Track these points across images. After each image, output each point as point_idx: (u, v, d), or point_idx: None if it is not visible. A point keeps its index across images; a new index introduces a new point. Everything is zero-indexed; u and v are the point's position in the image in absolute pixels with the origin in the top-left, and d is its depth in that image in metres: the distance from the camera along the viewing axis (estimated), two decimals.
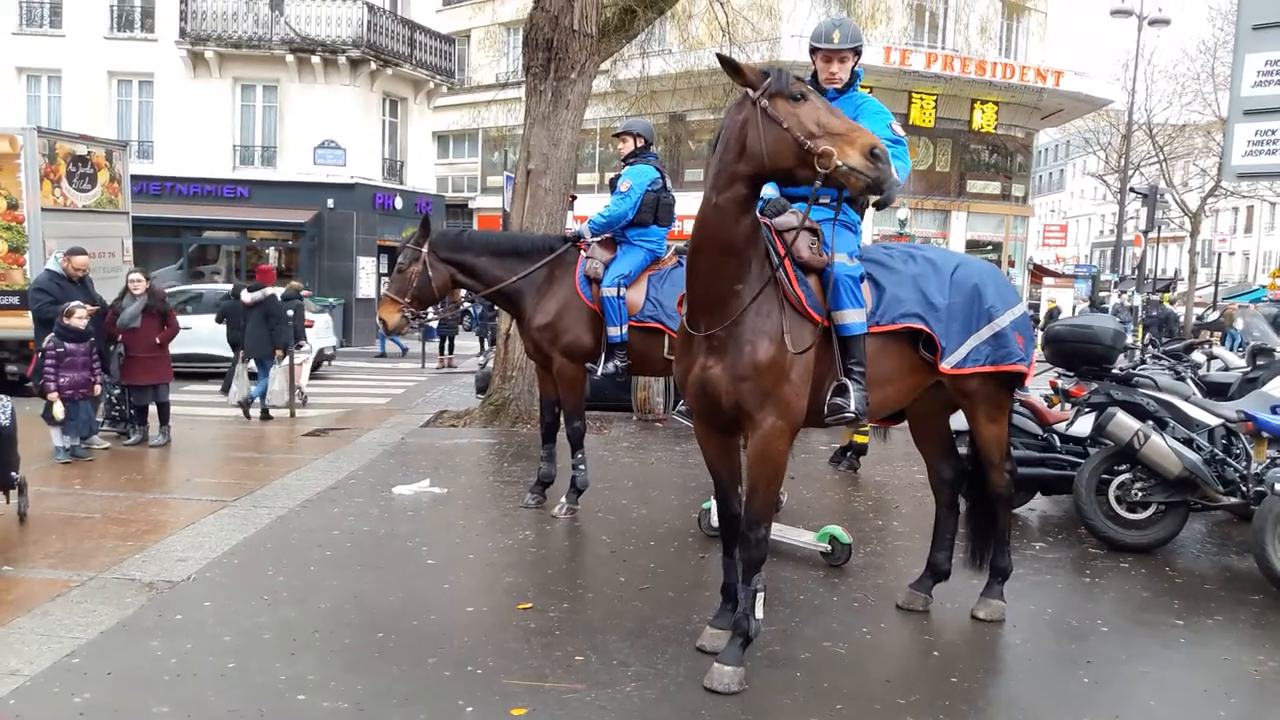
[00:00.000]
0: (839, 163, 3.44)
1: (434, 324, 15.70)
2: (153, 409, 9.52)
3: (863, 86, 4.65)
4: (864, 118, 4.35)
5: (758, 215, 3.90)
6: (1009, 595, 4.87)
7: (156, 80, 23.03)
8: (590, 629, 4.53)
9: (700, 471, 4.55)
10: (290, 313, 11.67)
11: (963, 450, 5.34)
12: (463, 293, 7.18)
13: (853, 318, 4.13)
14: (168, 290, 11.98)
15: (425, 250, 6.51)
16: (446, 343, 19.29)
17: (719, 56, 3.83)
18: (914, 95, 29.04)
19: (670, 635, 4.46)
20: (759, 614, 4.05)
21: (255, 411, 11.43)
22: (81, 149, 13.92)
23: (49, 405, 8.31)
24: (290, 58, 22.60)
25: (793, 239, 4.05)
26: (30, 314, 9.77)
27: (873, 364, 4.23)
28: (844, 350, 4.15)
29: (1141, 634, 4.76)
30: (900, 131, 4.43)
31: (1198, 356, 9.14)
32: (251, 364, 11.58)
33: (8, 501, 6.24)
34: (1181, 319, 27.56)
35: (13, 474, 6.14)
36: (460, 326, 20.01)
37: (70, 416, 8.42)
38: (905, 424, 5.28)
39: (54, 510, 6.88)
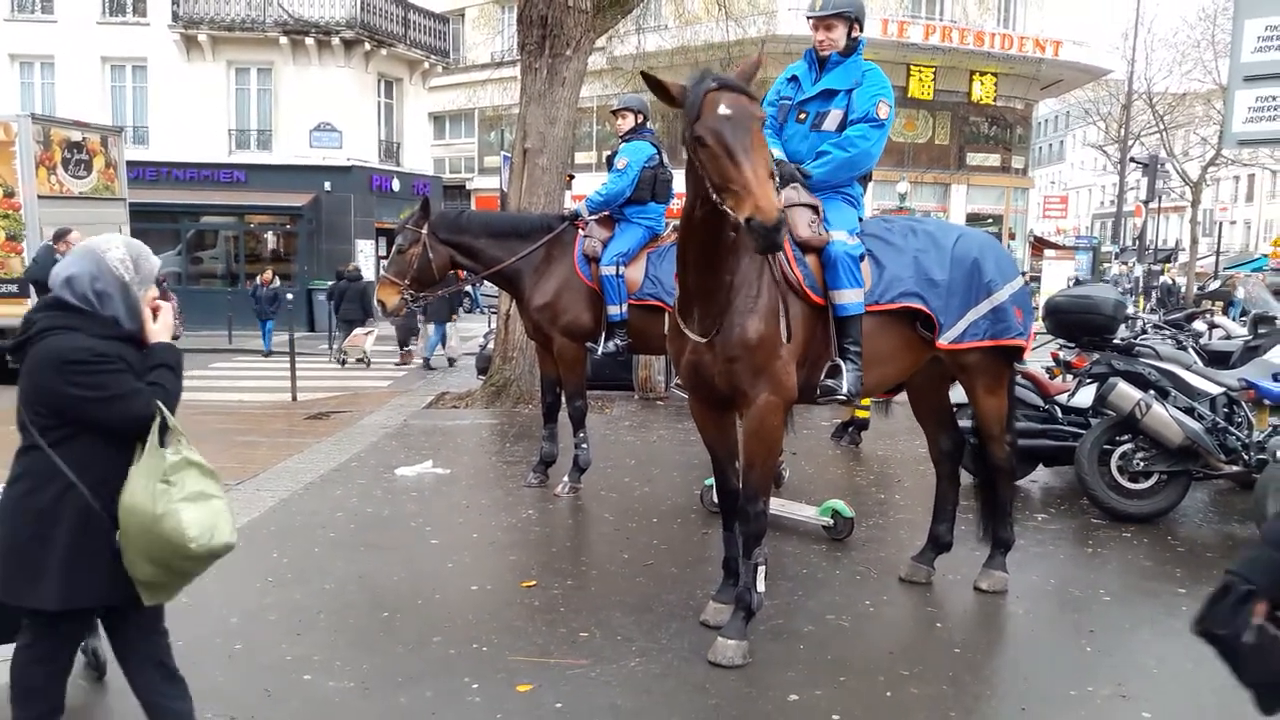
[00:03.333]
0: (739, 219, 3.29)
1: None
2: None
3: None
4: (862, 88, 4.36)
5: None
6: (1011, 566, 4.89)
7: (150, 65, 22.92)
8: (594, 605, 4.55)
9: (701, 449, 4.56)
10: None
11: (964, 423, 5.36)
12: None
13: (850, 298, 4.11)
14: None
15: (425, 232, 6.48)
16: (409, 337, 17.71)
17: (643, 75, 3.75)
18: (912, 68, 28.87)
19: (674, 610, 4.48)
20: (761, 588, 4.06)
21: (441, 361, 15.44)
22: (76, 135, 13.88)
23: None
24: (284, 40, 22.48)
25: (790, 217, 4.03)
26: (32, 290, 9.90)
27: (871, 342, 4.22)
28: (840, 330, 4.13)
29: (1144, 603, 4.77)
30: (885, 114, 4.38)
31: (1199, 325, 9.14)
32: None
33: None
34: (1183, 289, 27.51)
35: None
36: (460, 310, 19.70)
37: None
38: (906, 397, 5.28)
39: None
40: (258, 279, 18.96)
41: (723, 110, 3.37)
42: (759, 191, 3.23)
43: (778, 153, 4.42)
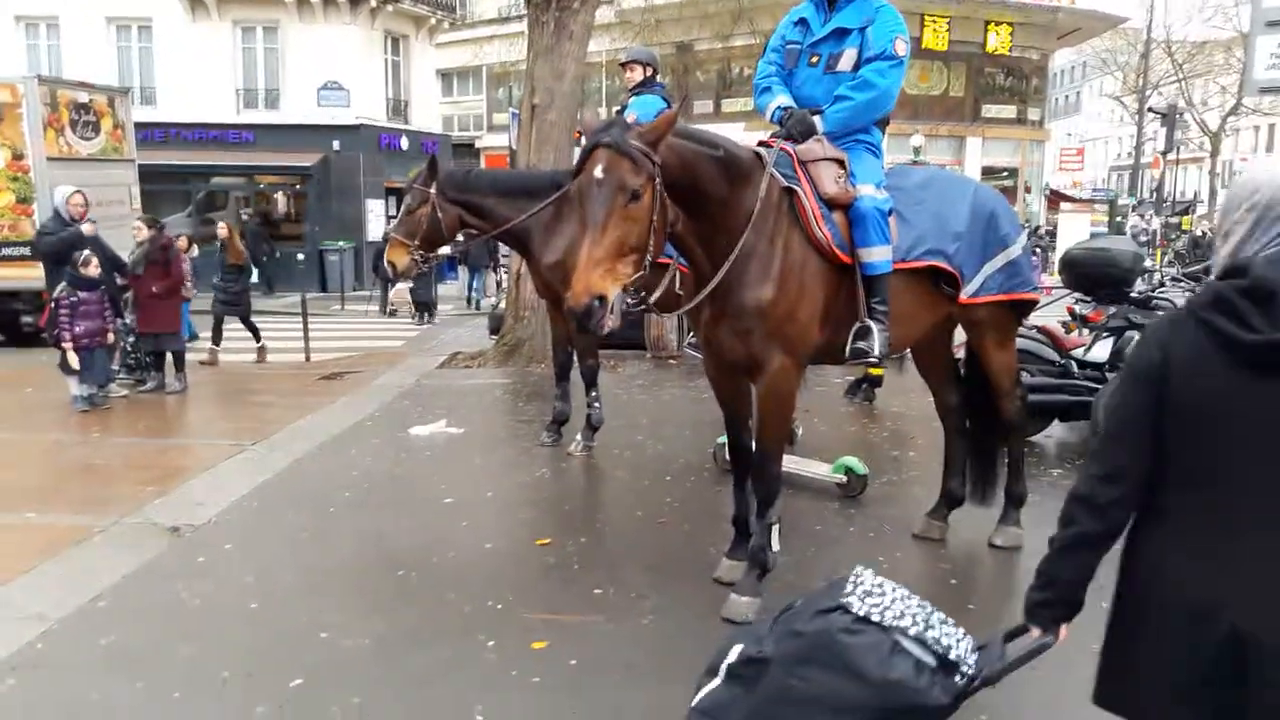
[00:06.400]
0: None
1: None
2: (170, 356, 9.55)
3: None
4: (876, 24, 4.17)
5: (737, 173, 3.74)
6: (1026, 522, 4.86)
7: (155, 25, 22.69)
8: (608, 563, 4.56)
9: (714, 407, 4.53)
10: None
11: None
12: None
13: (879, 255, 3.97)
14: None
15: (433, 191, 6.41)
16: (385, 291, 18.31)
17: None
18: (926, 18, 28.30)
19: (687, 568, 4.48)
20: (775, 546, 4.06)
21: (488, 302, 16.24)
22: (83, 97, 13.78)
23: (64, 355, 8.35)
24: None
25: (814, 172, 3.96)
26: (42, 260, 9.84)
27: (899, 300, 4.09)
28: (868, 289, 3.99)
29: None
30: (902, 50, 4.19)
31: None
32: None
33: None
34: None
35: None
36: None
37: (86, 365, 8.45)
38: None
39: (75, 458, 6.95)
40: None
41: (596, 173, 3.25)
42: (579, 273, 3.19)
43: (785, 99, 4.32)
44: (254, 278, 18.04)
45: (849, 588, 1.83)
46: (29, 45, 22.83)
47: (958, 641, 1.84)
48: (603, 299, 3.16)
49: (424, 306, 17.15)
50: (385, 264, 6.59)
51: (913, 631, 1.74)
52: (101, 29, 22.65)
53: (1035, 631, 1.98)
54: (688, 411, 7.97)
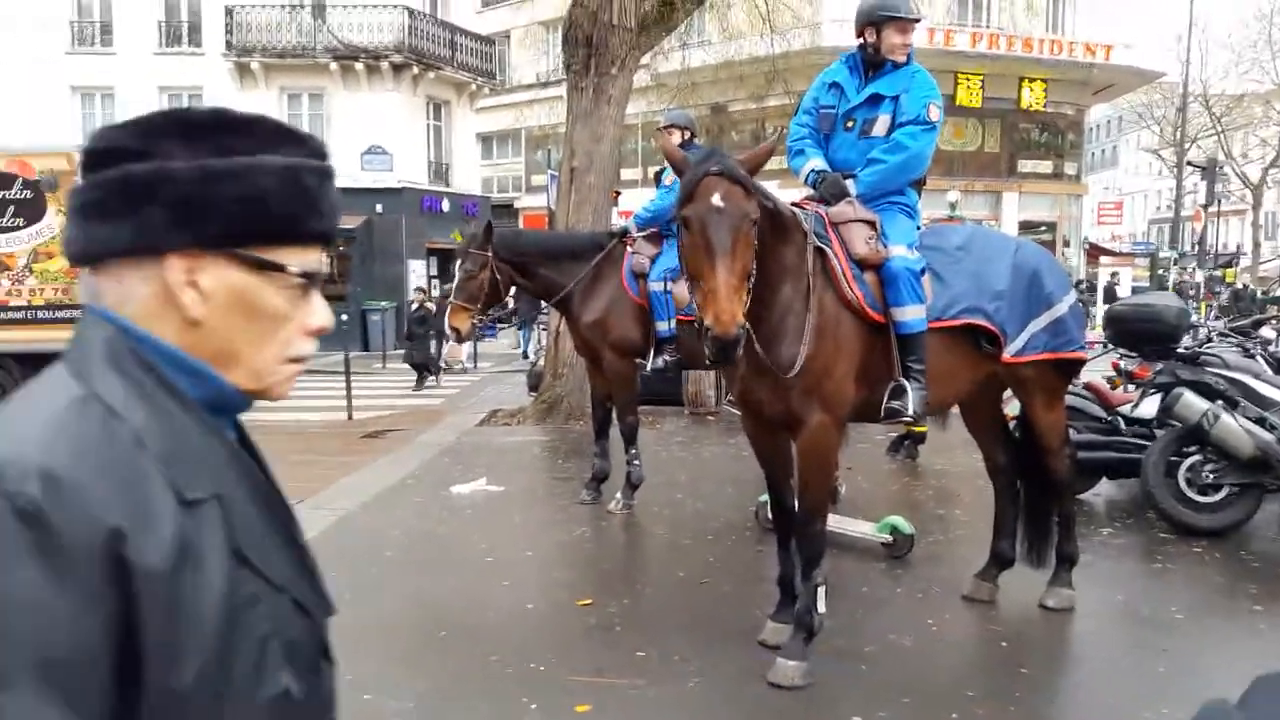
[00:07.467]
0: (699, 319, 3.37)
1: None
2: None
3: None
4: (910, 92, 4.25)
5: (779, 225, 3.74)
6: (1078, 583, 4.76)
7: (205, 93, 23.49)
8: (650, 624, 4.51)
9: (754, 464, 4.51)
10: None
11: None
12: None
13: (913, 314, 3.98)
14: None
15: (490, 254, 6.47)
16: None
17: (660, 131, 3.71)
18: (960, 76, 28.52)
19: (731, 630, 4.42)
20: (821, 608, 4.00)
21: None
22: None
23: None
24: (334, 65, 22.92)
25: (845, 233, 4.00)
26: None
27: (937, 359, 4.08)
28: (903, 348, 3.99)
29: (1218, 621, 4.62)
30: (935, 116, 4.27)
31: (1267, 332, 8.86)
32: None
33: None
34: (1256, 294, 26.84)
35: None
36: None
37: None
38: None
39: None
40: None
41: (715, 201, 3.28)
42: (722, 302, 3.21)
43: (819, 163, 4.36)
44: None
45: None
46: (85, 114, 23.73)
47: None
48: (744, 326, 3.24)
49: (421, 368, 16.51)
50: (449, 329, 6.66)
51: None
52: (154, 98, 23.46)
53: None
54: (727, 469, 7.93)
